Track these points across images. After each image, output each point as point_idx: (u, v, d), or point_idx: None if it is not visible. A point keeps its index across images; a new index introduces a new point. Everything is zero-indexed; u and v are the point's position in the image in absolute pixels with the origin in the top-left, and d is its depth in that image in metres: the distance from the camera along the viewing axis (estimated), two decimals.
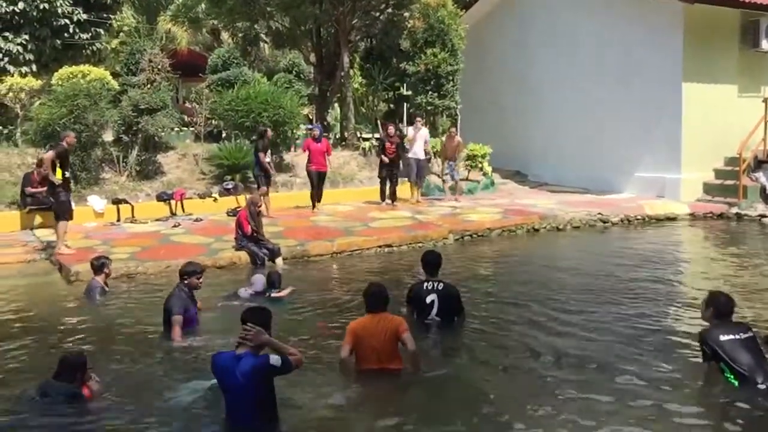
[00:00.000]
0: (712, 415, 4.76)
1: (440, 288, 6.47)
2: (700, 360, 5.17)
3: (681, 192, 14.38)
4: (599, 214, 12.99)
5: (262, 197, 12.36)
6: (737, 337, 4.97)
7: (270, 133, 13.29)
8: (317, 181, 13.30)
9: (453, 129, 15.31)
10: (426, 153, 14.42)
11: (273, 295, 7.67)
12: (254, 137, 13.82)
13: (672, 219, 13.29)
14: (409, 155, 14.23)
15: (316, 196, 13.29)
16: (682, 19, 14.23)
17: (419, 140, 14.23)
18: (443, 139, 14.78)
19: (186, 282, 6.59)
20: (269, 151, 13.12)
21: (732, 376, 4.86)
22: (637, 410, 4.68)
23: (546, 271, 9.31)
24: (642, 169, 15.21)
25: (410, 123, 20.59)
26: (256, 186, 13.00)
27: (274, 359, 4.32)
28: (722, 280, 8.43)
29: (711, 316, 5.20)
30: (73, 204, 10.58)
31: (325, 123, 20.69)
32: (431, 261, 6.71)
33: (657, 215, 13.33)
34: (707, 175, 14.78)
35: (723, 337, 4.96)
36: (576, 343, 6.05)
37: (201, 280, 6.72)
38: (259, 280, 7.88)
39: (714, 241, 11.77)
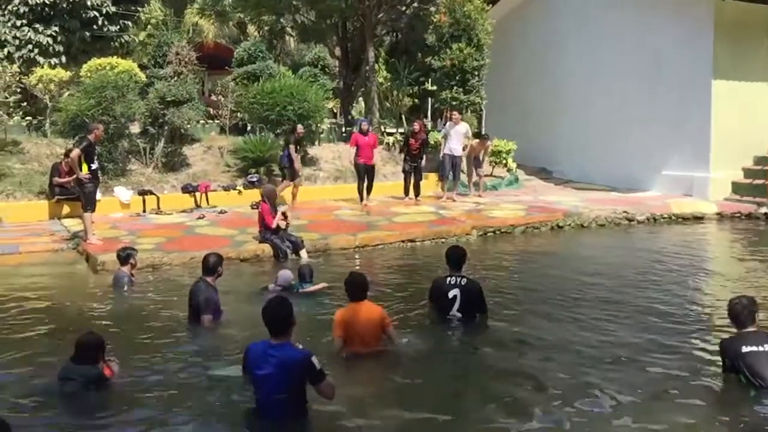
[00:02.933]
0: (727, 427, 4.57)
1: (463, 283, 6.42)
2: (719, 369, 5.03)
3: (709, 191, 14.18)
4: (625, 212, 12.85)
5: (296, 187, 12.49)
6: (760, 349, 4.72)
7: (301, 128, 13.40)
8: (365, 174, 13.37)
9: (486, 135, 15.27)
10: (464, 148, 14.27)
11: (302, 290, 7.52)
12: (279, 130, 13.91)
13: (699, 218, 13.11)
14: (445, 151, 14.12)
15: (367, 190, 13.39)
16: (713, 16, 14.02)
17: (455, 136, 14.08)
18: (473, 142, 14.65)
19: (213, 275, 6.61)
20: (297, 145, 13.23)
21: (751, 389, 4.67)
22: (651, 417, 4.55)
23: (569, 269, 9.22)
24: (670, 167, 15.02)
25: (434, 118, 20.67)
26: (281, 178, 13.09)
27: (316, 359, 4.27)
28: (747, 283, 8.28)
29: (734, 324, 5.00)
30: (99, 195, 10.72)
31: (350, 117, 20.73)
32: (455, 256, 6.64)
33: (684, 214, 13.16)
34: (736, 174, 14.56)
35: (745, 348, 4.75)
36: (595, 343, 5.96)
37: (222, 267, 6.74)
38: (285, 275, 7.69)
39: (741, 241, 11.57)
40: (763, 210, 13.24)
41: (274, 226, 9.83)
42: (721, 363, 5.03)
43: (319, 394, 4.33)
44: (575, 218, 12.43)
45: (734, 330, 5.11)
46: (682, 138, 14.71)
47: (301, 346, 4.41)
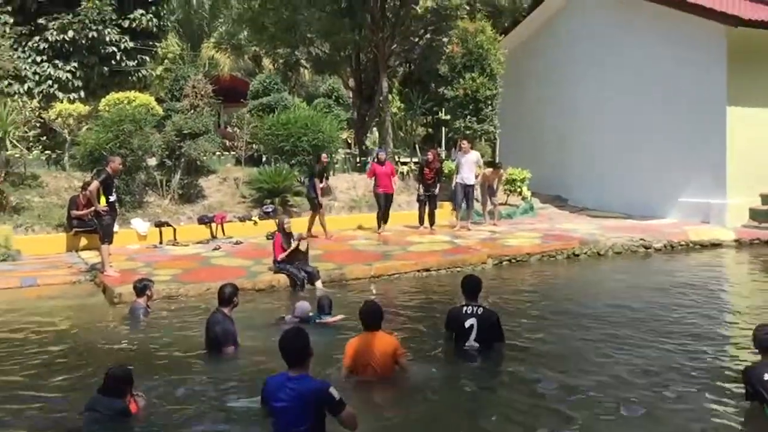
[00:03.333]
0: None
1: (480, 312, 6.36)
2: (743, 399, 4.94)
3: (727, 217, 14.07)
4: (641, 239, 12.75)
5: (321, 216, 12.53)
6: None
7: (325, 157, 13.58)
8: (384, 203, 13.52)
9: (500, 163, 15.28)
10: (476, 177, 14.31)
11: (319, 321, 7.45)
12: (294, 161, 13.99)
13: (717, 245, 12.98)
14: (457, 180, 14.14)
15: (383, 218, 13.53)
16: (726, 42, 14.03)
17: (466, 165, 14.12)
18: (487, 171, 14.67)
19: (229, 306, 6.61)
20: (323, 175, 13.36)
21: None
22: None
23: (585, 298, 9.14)
24: (686, 194, 14.93)
25: (448, 147, 20.74)
26: (311, 208, 13.18)
27: (334, 390, 4.24)
28: (765, 312, 8.16)
29: (760, 351, 4.93)
30: (116, 227, 10.81)
31: (364, 147, 20.85)
32: (471, 285, 6.61)
33: (701, 241, 13.03)
34: (754, 201, 14.44)
35: (767, 377, 4.68)
36: (613, 377, 5.85)
37: (238, 297, 6.75)
38: (302, 306, 7.62)
39: (760, 268, 11.43)
40: None
41: (279, 258, 9.83)
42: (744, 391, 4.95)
43: (342, 425, 4.28)
44: (591, 246, 12.35)
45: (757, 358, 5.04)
46: (698, 164, 14.64)
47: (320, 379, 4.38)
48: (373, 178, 13.66)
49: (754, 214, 14.27)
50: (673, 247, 12.73)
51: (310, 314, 7.57)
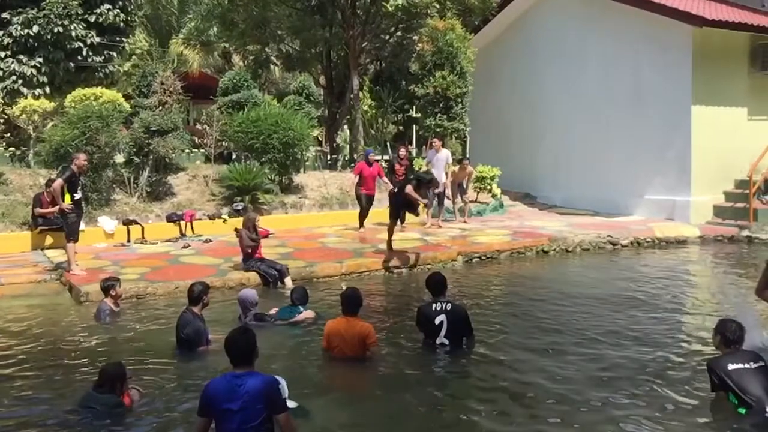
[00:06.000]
0: None
1: (449, 308, 6.41)
2: (708, 389, 5.05)
3: (691, 214, 14.34)
4: (609, 236, 12.94)
5: None
6: (747, 366, 4.82)
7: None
8: (366, 204, 13.58)
9: (466, 161, 15.33)
10: (447, 175, 14.35)
11: (280, 321, 7.35)
12: (264, 159, 13.88)
13: (682, 242, 13.23)
14: None
15: (364, 217, 13.62)
16: (691, 42, 14.28)
17: (438, 163, 14.16)
18: (455, 168, 14.74)
19: (198, 305, 6.56)
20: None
21: (740, 406, 4.73)
22: None
23: (554, 294, 9.24)
24: (652, 191, 15.18)
25: (419, 145, 20.81)
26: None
27: (284, 388, 4.17)
28: (729, 306, 8.33)
29: (720, 344, 5.09)
30: (82, 226, 10.65)
31: (335, 145, 20.83)
32: (434, 282, 6.68)
33: (667, 238, 13.27)
34: (717, 198, 14.74)
35: (731, 366, 4.83)
36: (578, 374, 5.93)
37: (208, 296, 6.70)
38: (245, 294, 7.44)
39: (724, 264, 11.67)
40: (746, 233, 13.39)
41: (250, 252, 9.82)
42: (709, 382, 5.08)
43: (281, 426, 4.12)
44: (560, 243, 12.50)
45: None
46: (664, 163, 14.90)
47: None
48: (358, 177, 13.62)
49: (718, 211, 14.58)
50: (639, 244, 12.94)
51: (295, 307, 7.47)
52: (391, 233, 11.01)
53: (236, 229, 10.15)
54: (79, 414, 4.93)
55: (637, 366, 6.03)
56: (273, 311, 7.64)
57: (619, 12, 15.66)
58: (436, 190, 13.62)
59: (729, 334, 5.04)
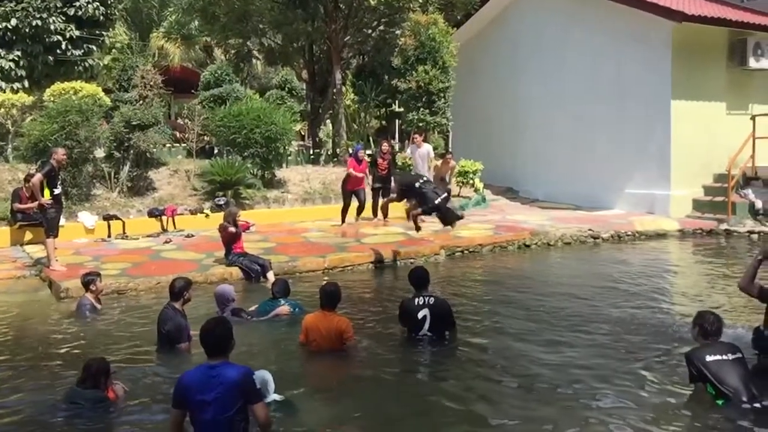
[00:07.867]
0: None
1: (431, 302, 6.46)
2: (687, 381, 5.10)
3: (670, 208, 14.48)
4: (590, 230, 13.04)
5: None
6: (724, 357, 4.87)
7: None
8: (350, 201, 13.56)
9: (449, 155, 15.36)
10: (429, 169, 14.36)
11: (258, 318, 7.31)
12: (246, 153, 13.83)
13: (662, 235, 13.35)
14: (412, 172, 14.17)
15: (346, 212, 13.60)
16: (671, 38, 14.39)
17: (419, 158, 14.18)
18: (438, 162, 14.77)
19: (179, 300, 6.53)
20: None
21: (718, 397, 4.79)
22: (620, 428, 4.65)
23: (536, 287, 9.31)
24: (632, 185, 15.31)
25: (402, 139, 20.83)
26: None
27: (257, 379, 4.17)
28: (708, 298, 8.45)
29: (698, 336, 5.13)
30: (62, 221, 10.55)
31: (317, 139, 20.79)
32: (416, 277, 6.72)
33: (647, 231, 13.39)
34: (697, 192, 14.90)
35: (709, 358, 4.87)
36: (561, 362, 6.00)
37: (189, 292, 6.66)
38: (222, 289, 7.39)
39: (702, 257, 11.80)
40: (725, 226, 13.55)
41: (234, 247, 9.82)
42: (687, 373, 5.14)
43: (255, 418, 4.11)
44: (542, 237, 12.58)
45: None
46: (644, 157, 15.03)
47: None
48: (347, 173, 13.56)
49: (697, 204, 14.73)
50: (620, 237, 13.04)
51: (276, 300, 7.45)
52: (409, 215, 10.49)
53: (220, 225, 10.10)
54: (64, 410, 4.91)
55: (616, 357, 6.10)
56: (254, 308, 7.59)
57: (599, 7, 15.76)
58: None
59: (707, 326, 5.09)
